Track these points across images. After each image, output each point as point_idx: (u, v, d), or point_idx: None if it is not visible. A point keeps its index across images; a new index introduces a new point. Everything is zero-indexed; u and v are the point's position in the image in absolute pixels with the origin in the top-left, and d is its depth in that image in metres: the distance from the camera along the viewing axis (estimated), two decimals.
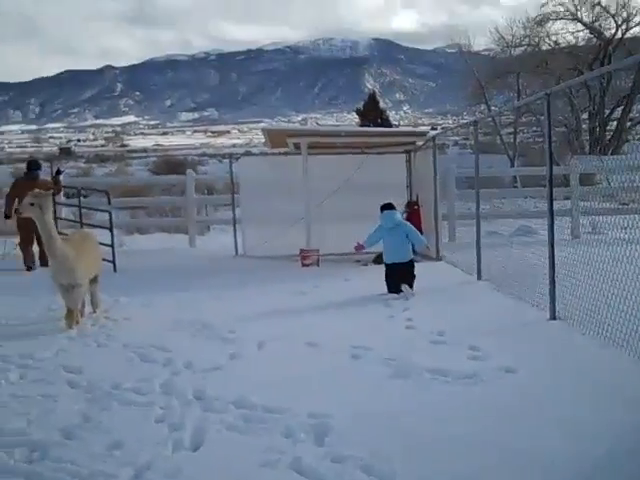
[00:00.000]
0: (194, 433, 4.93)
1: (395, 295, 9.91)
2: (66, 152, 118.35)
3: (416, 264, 10.69)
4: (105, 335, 8.03)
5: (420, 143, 14.96)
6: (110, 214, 13.40)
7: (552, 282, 7.87)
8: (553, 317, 7.85)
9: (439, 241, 13.82)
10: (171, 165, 53.43)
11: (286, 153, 16.37)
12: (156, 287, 11.12)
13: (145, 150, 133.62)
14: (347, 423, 4.97)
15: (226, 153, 46.07)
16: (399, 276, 10.27)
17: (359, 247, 10.85)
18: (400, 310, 8.94)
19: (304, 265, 13.62)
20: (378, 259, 13.59)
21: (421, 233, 13.90)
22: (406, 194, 15.48)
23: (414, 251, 11.00)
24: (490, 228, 17.06)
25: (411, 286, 10.16)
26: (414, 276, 10.35)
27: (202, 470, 4.37)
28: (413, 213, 14.43)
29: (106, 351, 7.39)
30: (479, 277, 10.99)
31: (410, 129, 17.61)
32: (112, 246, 13.12)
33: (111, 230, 13.31)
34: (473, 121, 10.48)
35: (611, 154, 33.20)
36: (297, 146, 14.77)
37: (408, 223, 11.25)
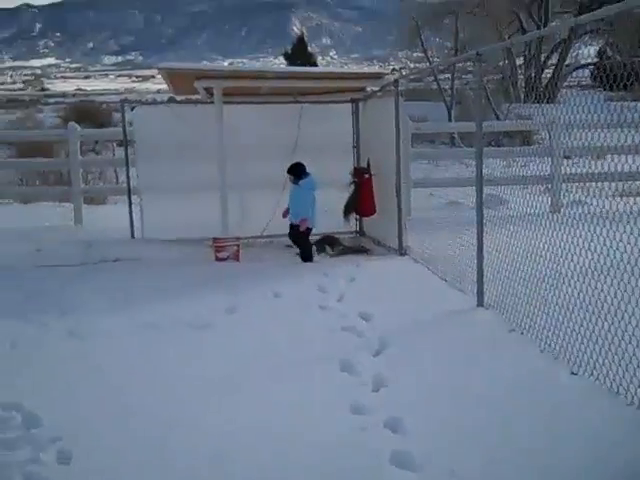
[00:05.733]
0: None
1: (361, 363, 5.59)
2: None
3: (373, 260, 9.80)
4: None
5: (373, 89, 11.36)
6: None
7: None
8: None
9: (403, 226, 10.03)
10: (83, 112, 48.82)
11: (197, 101, 12.63)
12: None
13: (64, 95, 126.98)
14: None
15: (149, 98, 42.09)
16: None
17: (285, 213, 10.19)
18: (372, 399, 4.84)
19: (219, 259, 10.02)
20: (321, 244, 10.40)
21: (374, 212, 10.69)
22: (353, 157, 11.93)
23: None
24: (447, 196, 13.96)
25: (303, 257, 9.93)
26: (303, 247, 10.00)
27: None
28: (363, 184, 10.89)
29: None
30: (480, 302, 7.05)
31: (363, 70, 14.03)
32: None
33: None
34: (476, 52, 7.00)
35: (546, 103, 31.42)
36: (210, 92, 11.11)
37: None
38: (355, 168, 11.43)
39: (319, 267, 9.16)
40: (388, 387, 5.03)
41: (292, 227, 10.05)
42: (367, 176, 10.88)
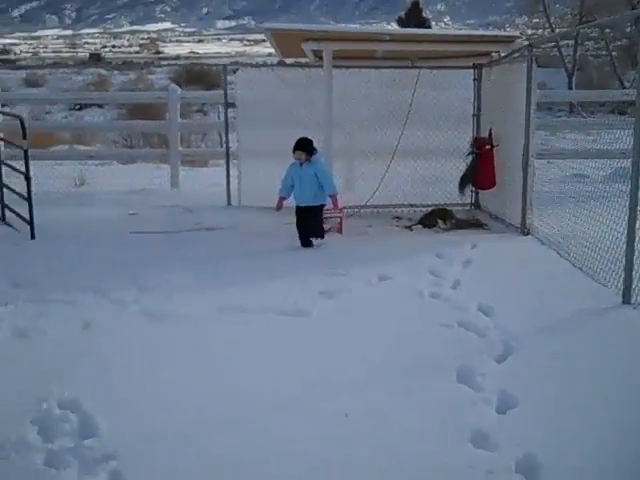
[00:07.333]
0: None
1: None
2: (96, 58, 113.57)
3: (492, 240, 8.58)
4: None
5: (500, 54, 10.24)
6: (26, 152, 8.50)
7: None
8: None
9: (527, 202, 8.85)
10: (193, 74, 48.91)
11: (305, 65, 11.82)
12: (58, 284, 6.63)
13: (178, 57, 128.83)
14: None
15: (259, 62, 41.73)
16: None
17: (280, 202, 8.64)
18: (499, 426, 3.81)
19: None
20: (428, 220, 9.49)
21: (494, 185, 9.70)
22: (472, 126, 10.84)
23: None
24: (571, 168, 12.83)
25: (305, 241, 8.32)
26: (316, 230, 8.39)
27: None
28: (484, 155, 9.90)
29: None
30: (626, 299, 5.80)
31: (491, 33, 12.63)
32: (28, 199, 8.59)
33: (27, 177, 8.58)
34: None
35: None
36: (319, 55, 10.26)
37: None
38: (476, 138, 10.43)
39: (431, 246, 8.13)
40: (518, 409, 3.99)
41: (305, 211, 8.43)
42: (489, 147, 9.87)
